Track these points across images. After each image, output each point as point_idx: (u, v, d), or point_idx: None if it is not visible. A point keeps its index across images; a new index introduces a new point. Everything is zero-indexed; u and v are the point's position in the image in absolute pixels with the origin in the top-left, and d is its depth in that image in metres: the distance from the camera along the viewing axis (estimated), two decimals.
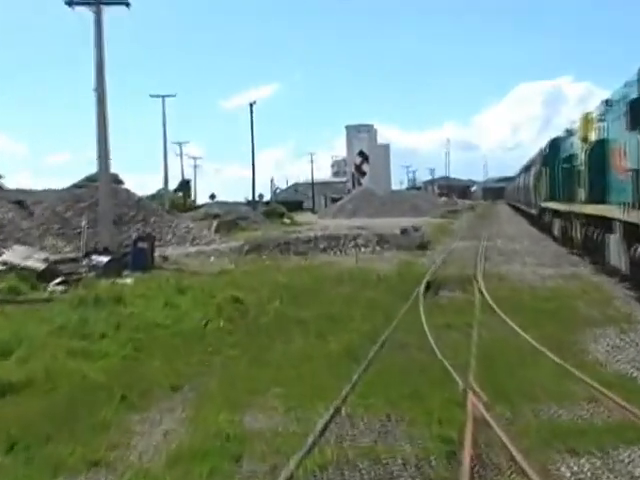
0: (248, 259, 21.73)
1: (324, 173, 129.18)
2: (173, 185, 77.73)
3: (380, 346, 8.31)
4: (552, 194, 23.62)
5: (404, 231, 26.88)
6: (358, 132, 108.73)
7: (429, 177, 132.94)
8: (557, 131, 26.32)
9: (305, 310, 10.83)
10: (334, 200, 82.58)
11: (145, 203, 32.59)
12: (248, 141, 60.88)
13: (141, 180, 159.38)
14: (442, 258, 19.44)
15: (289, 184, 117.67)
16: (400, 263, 18.54)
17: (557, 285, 13.67)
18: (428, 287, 13.11)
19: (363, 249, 23.56)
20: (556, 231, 23.29)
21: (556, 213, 23.15)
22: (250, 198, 64.62)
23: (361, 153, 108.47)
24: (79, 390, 6.79)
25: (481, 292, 12.40)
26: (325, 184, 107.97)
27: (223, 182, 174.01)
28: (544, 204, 26.69)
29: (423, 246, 23.81)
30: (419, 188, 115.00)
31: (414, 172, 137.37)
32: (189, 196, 78.61)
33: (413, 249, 22.95)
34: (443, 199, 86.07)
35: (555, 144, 24.45)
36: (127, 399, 6.43)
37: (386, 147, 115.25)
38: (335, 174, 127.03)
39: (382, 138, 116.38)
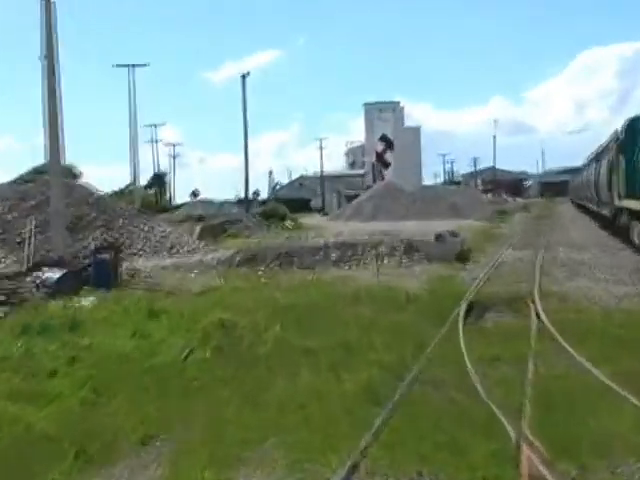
0: (240, 273, 21.78)
1: (337, 164, 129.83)
2: (145, 179, 78.41)
3: (408, 384, 8.30)
4: (631, 190, 23.55)
5: (439, 237, 26.84)
6: (380, 112, 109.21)
7: (471, 169, 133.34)
8: (637, 109, 26.26)
9: (312, 337, 10.83)
10: (349, 198, 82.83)
11: (108, 202, 32.78)
12: (240, 123, 61.17)
13: (105, 173, 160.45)
14: (488, 272, 19.42)
15: (292, 178, 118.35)
16: (434, 278, 18.58)
17: (637, 307, 13.60)
18: (470, 309, 13.12)
19: (386, 260, 23.56)
20: (636, 237, 23.21)
21: (636, 214, 23.08)
22: (242, 196, 64.98)
23: (384, 138, 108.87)
24: (22, 443, 6.79)
25: (538, 315, 12.38)
26: (338, 177, 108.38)
27: (208, 175, 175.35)
28: (620, 203, 26.61)
29: (463, 257, 23.80)
30: (458, 183, 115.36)
31: (452, 162, 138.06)
32: (164, 193, 79.10)
33: (451, 260, 22.95)
34: (489, 196, 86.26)
35: (634, 126, 24.39)
36: (84, 455, 6.43)
37: (416, 130, 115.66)
38: (351, 165, 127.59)
39: (411, 119, 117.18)
